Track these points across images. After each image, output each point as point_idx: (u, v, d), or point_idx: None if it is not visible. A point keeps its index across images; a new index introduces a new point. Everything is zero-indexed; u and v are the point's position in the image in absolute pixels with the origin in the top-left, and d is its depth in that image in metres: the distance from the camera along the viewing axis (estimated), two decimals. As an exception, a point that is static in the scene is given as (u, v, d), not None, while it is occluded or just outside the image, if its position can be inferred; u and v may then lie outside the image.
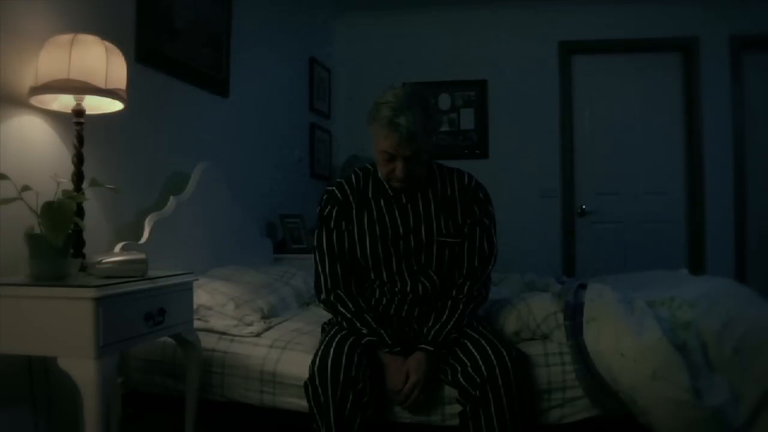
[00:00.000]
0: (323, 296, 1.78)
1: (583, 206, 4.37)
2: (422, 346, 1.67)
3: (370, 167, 1.84)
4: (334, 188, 1.82)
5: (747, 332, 1.62)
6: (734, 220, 4.13)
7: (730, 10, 4.13)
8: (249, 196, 3.12)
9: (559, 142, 4.37)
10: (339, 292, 1.76)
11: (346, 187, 1.80)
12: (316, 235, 1.82)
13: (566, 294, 1.86)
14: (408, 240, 1.75)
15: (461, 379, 1.59)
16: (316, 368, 1.55)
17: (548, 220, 4.35)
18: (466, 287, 1.75)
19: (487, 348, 1.59)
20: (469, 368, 1.58)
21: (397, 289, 1.77)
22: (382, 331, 1.69)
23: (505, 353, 1.58)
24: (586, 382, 1.66)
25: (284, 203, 3.60)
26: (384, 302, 1.79)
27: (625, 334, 1.62)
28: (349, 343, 1.62)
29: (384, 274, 1.77)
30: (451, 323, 1.68)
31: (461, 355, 1.63)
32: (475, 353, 1.59)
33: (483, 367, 1.56)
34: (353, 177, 1.83)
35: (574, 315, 1.75)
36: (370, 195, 1.79)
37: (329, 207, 1.79)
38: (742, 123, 4.15)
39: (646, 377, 1.55)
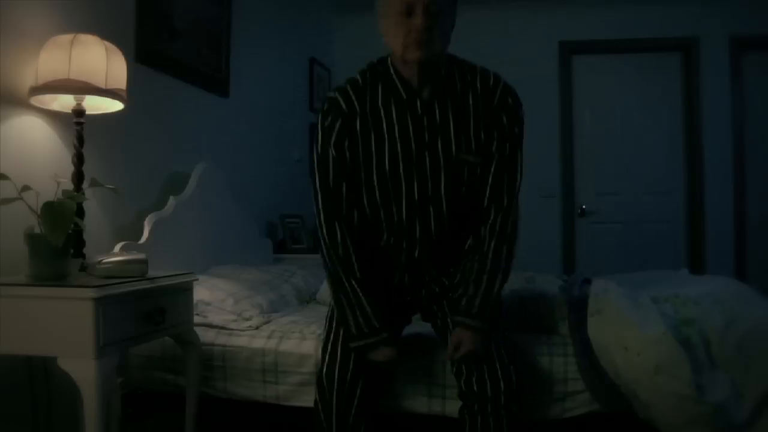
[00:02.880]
0: (323, 230, 1.52)
1: (583, 206, 4.36)
2: (463, 320, 1.47)
3: (379, 66, 1.56)
4: (336, 95, 1.52)
5: (750, 331, 1.62)
6: (734, 219, 4.12)
7: (730, 10, 4.12)
8: (249, 196, 3.12)
9: (559, 142, 4.37)
10: (339, 225, 1.50)
11: (352, 93, 1.52)
12: (315, 151, 1.53)
13: (571, 288, 1.86)
14: (422, 158, 1.49)
15: (463, 387, 1.54)
16: (323, 374, 1.56)
17: (548, 220, 4.34)
18: (496, 223, 1.51)
19: (497, 365, 1.50)
20: (474, 378, 1.50)
21: (404, 226, 1.53)
22: (385, 335, 1.50)
23: (513, 376, 1.50)
24: (588, 375, 1.66)
25: (284, 203, 3.60)
26: (392, 243, 1.56)
27: (629, 327, 1.61)
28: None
29: (393, 206, 1.52)
30: (482, 290, 1.49)
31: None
32: (485, 366, 1.50)
33: (488, 384, 1.48)
34: (359, 79, 1.54)
35: (578, 308, 1.75)
36: (380, 102, 1.51)
37: (331, 118, 1.50)
38: (742, 123, 4.15)
39: (649, 371, 1.55)
